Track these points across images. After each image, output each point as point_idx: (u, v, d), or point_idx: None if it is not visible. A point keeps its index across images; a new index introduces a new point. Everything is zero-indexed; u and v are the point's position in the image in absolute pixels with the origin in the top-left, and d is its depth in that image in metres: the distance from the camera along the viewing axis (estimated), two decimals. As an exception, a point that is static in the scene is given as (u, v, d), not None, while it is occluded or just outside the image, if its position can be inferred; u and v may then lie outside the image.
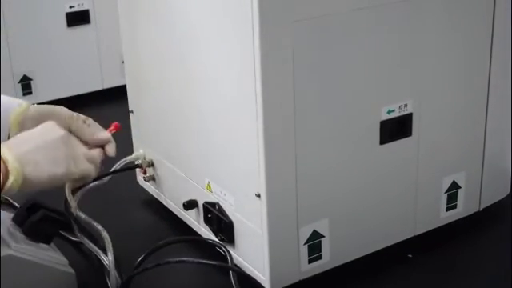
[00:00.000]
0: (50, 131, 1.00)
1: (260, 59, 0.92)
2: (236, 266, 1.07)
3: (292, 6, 0.92)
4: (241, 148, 1.01)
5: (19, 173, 0.92)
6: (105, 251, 1.09)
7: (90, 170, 1.03)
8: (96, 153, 1.05)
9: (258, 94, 0.94)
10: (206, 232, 1.16)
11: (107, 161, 1.22)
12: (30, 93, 1.88)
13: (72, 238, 1.18)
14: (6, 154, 0.93)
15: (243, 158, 1.01)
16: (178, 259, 1.04)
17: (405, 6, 1.02)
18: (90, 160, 1.03)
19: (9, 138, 1.06)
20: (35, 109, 1.10)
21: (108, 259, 1.07)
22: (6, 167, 0.92)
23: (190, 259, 1.06)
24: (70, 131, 1.07)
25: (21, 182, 0.93)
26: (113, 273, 1.05)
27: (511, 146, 1.25)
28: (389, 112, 1.05)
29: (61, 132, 1.00)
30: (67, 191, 1.10)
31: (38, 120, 1.07)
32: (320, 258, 1.06)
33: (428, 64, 1.07)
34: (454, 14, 1.07)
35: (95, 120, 1.83)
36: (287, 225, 1.01)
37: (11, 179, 0.92)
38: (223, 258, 1.08)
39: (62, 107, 1.12)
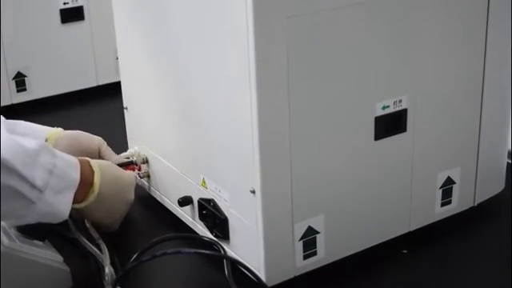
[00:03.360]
0: (127, 191, 1.17)
1: (254, 55, 0.92)
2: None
3: (286, 1, 0.92)
4: (236, 144, 1.01)
5: (93, 198, 1.06)
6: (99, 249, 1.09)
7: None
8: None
9: (253, 90, 0.94)
10: (200, 228, 1.16)
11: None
12: (25, 89, 1.87)
13: (67, 235, 1.17)
14: (95, 169, 1.08)
15: (238, 154, 1.01)
16: (174, 250, 1.06)
17: (399, 1, 1.02)
18: None
19: None
20: (65, 132, 1.26)
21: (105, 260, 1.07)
22: (90, 182, 1.07)
23: (187, 249, 1.08)
24: (99, 153, 1.26)
25: (89, 205, 1.07)
26: (108, 271, 1.05)
27: (506, 142, 1.25)
28: (383, 108, 1.05)
29: (131, 197, 1.18)
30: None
31: (69, 139, 1.23)
32: (315, 254, 1.06)
33: (423, 60, 1.07)
34: (449, 10, 1.07)
35: (90, 116, 1.84)
36: (282, 221, 1.01)
37: (87, 201, 1.06)
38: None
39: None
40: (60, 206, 0.98)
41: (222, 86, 1.02)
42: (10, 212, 0.93)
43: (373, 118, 1.05)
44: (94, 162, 1.09)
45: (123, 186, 1.15)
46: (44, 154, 0.95)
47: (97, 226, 1.15)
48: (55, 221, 1.00)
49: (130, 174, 1.21)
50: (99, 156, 1.25)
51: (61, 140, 1.21)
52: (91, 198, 1.06)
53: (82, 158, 1.07)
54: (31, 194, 0.93)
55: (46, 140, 1.21)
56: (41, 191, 0.94)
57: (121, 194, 1.14)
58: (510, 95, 1.22)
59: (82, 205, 1.06)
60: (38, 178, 0.93)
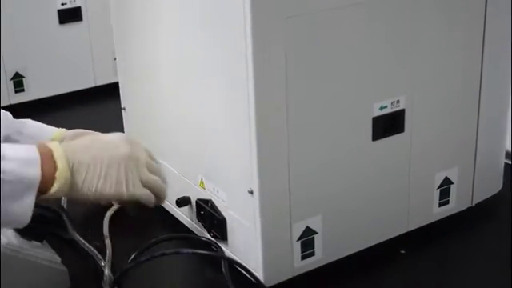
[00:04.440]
0: (114, 147, 0.98)
1: (252, 56, 0.92)
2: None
3: (284, 2, 0.92)
4: (233, 145, 1.01)
5: (66, 182, 0.91)
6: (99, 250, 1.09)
7: (145, 195, 0.98)
8: (154, 178, 1.01)
9: (251, 90, 0.94)
10: (198, 229, 1.16)
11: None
12: (22, 90, 1.88)
13: (65, 236, 1.17)
14: (59, 161, 0.91)
15: (236, 154, 1.01)
16: (173, 250, 1.05)
17: (398, 2, 1.02)
18: (148, 184, 0.99)
19: None
20: (69, 132, 1.23)
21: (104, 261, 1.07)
22: (54, 173, 0.90)
23: (185, 250, 1.07)
24: None
25: (66, 191, 0.92)
26: (106, 271, 1.05)
27: (503, 142, 1.25)
28: (381, 108, 1.05)
29: (124, 150, 0.97)
30: (108, 214, 1.15)
31: (75, 136, 1.19)
32: (313, 254, 1.06)
33: (420, 60, 1.07)
34: (446, 11, 1.07)
35: (88, 117, 1.84)
36: (280, 221, 1.01)
37: (55, 187, 0.90)
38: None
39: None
40: (19, 211, 0.88)
41: (220, 86, 1.02)
42: None
43: (371, 119, 1.05)
44: (59, 150, 0.92)
45: (101, 145, 0.98)
46: None
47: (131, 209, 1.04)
48: (19, 226, 0.91)
49: (113, 134, 1.03)
50: None
51: (64, 140, 1.21)
52: (52, 190, 0.91)
53: (43, 145, 0.92)
54: None
55: (52, 140, 1.21)
56: None
57: (102, 153, 0.95)
58: (507, 95, 1.22)
59: (53, 190, 0.91)
60: None
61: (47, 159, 0.90)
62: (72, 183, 0.92)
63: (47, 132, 1.22)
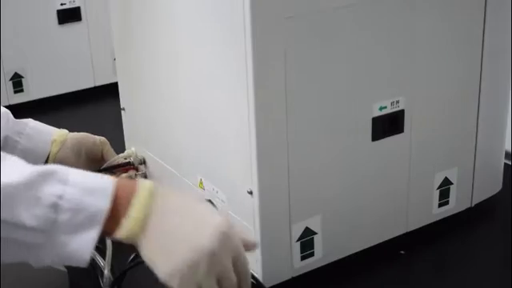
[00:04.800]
0: (200, 235, 0.76)
1: (252, 56, 0.92)
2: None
3: (283, 2, 0.92)
4: (233, 145, 1.01)
5: (136, 229, 0.76)
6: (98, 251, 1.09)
7: None
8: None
9: (250, 90, 0.94)
10: (198, 229, 1.16)
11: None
12: (22, 90, 1.88)
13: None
14: (144, 194, 0.76)
15: (235, 155, 1.01)
16: None
17: (397, 2, 1.02)
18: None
19: (48, 157, 1.20)
20: (70, 134, 1.23)
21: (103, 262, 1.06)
22: (131, 203, 0.75)
23: None
24: (102, 154, 1.23)
25: (134, 239, 0.77)
26: (106, 272, 1.05)
27: (503, 142, 1.25)
28: (381, 109, 1.05)
29: (208, 245, 0.75)
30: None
31: (74, 141, 1.21)
32: (312, 254, 1.06)
33: (420, 61, 1.07)
34: (445, 11, 1.07)
35: (88, 117, 1.84)
36: (279, 222, 1.01)
37: (120, 234, 0.76)
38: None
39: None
40: (78, 246, 0.74)
41: (219, 86, 1.02)
42: (20, 259, 0.74)
43: (370, 119, 1.05)
44: (146, 185, 0.77)
45: (194, 220, 0.77)
46: (41, 183, 0.73)
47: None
48: (79, 263, 0.75)
49: (211, 214, 0.80)
50: (102, 157, 1.25)
51: (66, 142, 1.21)
52: (125, 225, 0.76)
53: (126, 179, 0.81)
54: (31, 237, 0.72)
55: (53, 142, 1.21)
56: (43, 231, 0.72)
57: (189, 231, 0.76)
58: (506, 96, 1.22)
59: (120, 235, 0.76)
60: (30, 216, 0.71)
61: (130, 195, 0.76)
62: (139, 238, 0.77)
63: (48, 133, 1.22)
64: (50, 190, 0.73)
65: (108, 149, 1.26)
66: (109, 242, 1.12)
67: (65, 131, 1.24)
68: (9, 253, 0.72)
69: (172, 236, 0.76)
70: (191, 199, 0.80)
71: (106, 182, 0.76)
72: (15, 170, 0.73)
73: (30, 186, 0.72)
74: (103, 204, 0.74)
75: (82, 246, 0.74)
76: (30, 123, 1.21)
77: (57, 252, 0.74)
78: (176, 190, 0.81)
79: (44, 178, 0.73)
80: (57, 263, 0.76)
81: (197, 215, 0.78)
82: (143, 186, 0.76)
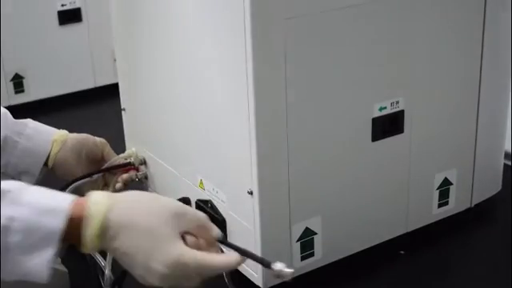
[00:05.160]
0: (169, 246, 0.77)
1: (252, 56, 0.92)
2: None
3: (283, 3, 0.92)
4: (233, 145, 1.01)
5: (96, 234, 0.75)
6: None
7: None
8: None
9: (250, 91, 0.94)
10: (198, 230, 1.16)
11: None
12: (22, 91, 1.88)
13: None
14: (93, 209, 0.76)
15: (235, 155, 1.01)
16: None
17: (396, 3, 1.02)
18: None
19: (48, 157, 1.19)
20: (70, 135, 1.22)
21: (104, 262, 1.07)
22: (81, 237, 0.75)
23: None
24: (103, 155, 1.22)
25: (99, 244, 0.76)
26: (107, 272, 1.05)
27: (502, 143, 1.25)
28: (381, 109, 1.05)
29: (175, 256, 0.76)
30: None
31: (74, 142, 1.20)
32: (312, 255, 1.06)
33: (420, 61, 1.07)
34: (445, 11, 1.08)
35: (88, 118, 1.84)
36: (280, 222, 1.01)
37: (83, 247, 0.76)
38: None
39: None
40: (34, 267, 0.74)
41: (219, 86, 1.02)
42: None
43: (370, 119, 1.05)
44: (101, 201, 0.77)
45: (155, 225, 0.77)
46: None
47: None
48: (40, 281, 0.75)
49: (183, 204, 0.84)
50: (102, 158, 1.26)
51: (66, 143, 1.21)
52: (85, 241, 0.76)
53: (79, 199, 0.77)
54: None
55: (54, 142, 1.21)
56: None
57: (148, 237, 0.76)
58: (506, 96, 1.23)
59: (85, 250, 0.77)
60: None
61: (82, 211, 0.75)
62: (103, 240, 0.76)
63: (48, 133, 1.22)
64: (2, 212, 0.72)
65: (108, 150, 1.26)
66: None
67: (65, 132, 1.24)
68: None
69: (132, 252, 0.76)
70: (144, 211, 0.78)
71: (61, 201, 0.75)
72: None
73: None
74: (57, 224, 0.74)
75: (38, 265, 0.74)
76: (30, 123, 1.21)
77: (14, 270, 0.74)
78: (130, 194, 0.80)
79: None
80: (19, 279, 0.75)
81: (147, 239, 0.76)
82: (95, 200, 0.76)
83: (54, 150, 1.20)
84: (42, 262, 0.74)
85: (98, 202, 0.76)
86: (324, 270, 1.08)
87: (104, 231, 0.75)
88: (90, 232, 0.75)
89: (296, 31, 0.94)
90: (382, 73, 1.04)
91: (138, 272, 0.77)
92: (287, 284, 1.04)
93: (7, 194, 0.74)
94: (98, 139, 1.26)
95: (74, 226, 0.75)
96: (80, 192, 1.22)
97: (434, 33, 1.07)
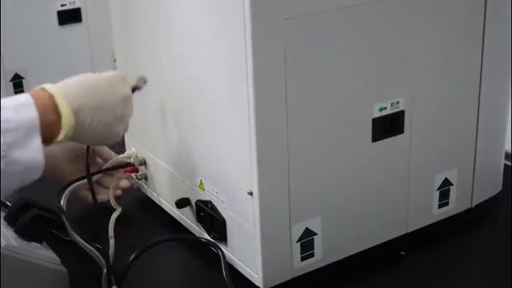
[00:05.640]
0: (115, 88, 1.01)
1: (252, 57, 0.92)
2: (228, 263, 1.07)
3: (283, 3, 0.92)
4: (233, 146, 1.01)
5: (71, 129, 0.93)
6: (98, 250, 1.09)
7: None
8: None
9: (250, 91, 0.94)
10: (198, 230, 1.16)
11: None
12: (22, 91, 1.87)
13: (64, 237, 1.17)
14: (63, 107, 0.92)
15: (235, 156, 1.01)
16: (169, 236, 1.15)
17: (396, 3, 1.02)
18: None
19: None
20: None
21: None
22: (60, 123, 0.92)
23: (181, 235, 1.16)
24: (97, 152, 1.24)
25: (70, 136, 0.93)
26: (106, 272, 1.05)
27: (503, 143, 1.25)
28: (381, 109, 1.05)
29: (126, 92, 1.02)
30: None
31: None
32: (312, 255, 1.06)
33: (420, 61, 1.07)
34: (445, 11, 1.08)
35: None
36: (279, 223, 1.01)
37: (62, 135, 0.92)
38: (215, 256, 1.08)
39: None
40: (31, 155, 0.87)
41: (219, 87, 1.02)
42: None
43: (370, 120, 1.05)
44: (58, 92, 0.95)
45: (106, 104, 1.00)
46: None
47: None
48: (37, 173, 0.90)
49: (112, 73, 1.05)
50: (97, 154, 1.25)
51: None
52: (63, 139, 0.93)
53: (38, 91, 0.95)
54: None
55: None
56: (3, 157, 0.84)
57: (108, 106, 0.99)
58: (507, 97, 1.23)
59: (60, 137, 0.93)
60: None
61: (49, 104, 0.92)
62: (75, 129, 0.94)
63: None
64: None
65: (102, 147, 1.25)
66: (111, 242, 1.12)
67: None
68: None
69: (99, 109, 0.97)
70: (82, 76, 0.99)
71: (25, 97, 0.90)
72: None
73: None
74: (34, 115, 0.88)
75: (33, 154, 0.87)
76: None
77: (16, 169, 0.85)
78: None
79: None
80: (21, 183, 0.88)
81: (99, 80, 1.00)
82: (55, 91, 0.93)
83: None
84: (36, 150, 0.87)
85: (59, 94, 0.94)
86: (324, 270, 1.07)
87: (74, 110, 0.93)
88: (66, 113, 0.92)
89: (296, 31, 0.94)
90: (382, 73, 1.04)
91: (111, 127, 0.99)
92: (287, 284, 1.05)
93: None
94: None
95: (46, 114, 0.89)
96: (76, 194, 1.22)
97: (434, 33, 1.07)
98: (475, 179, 1.20)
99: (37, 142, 0.87)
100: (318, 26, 0.96)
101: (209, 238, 1.13)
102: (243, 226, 1.03)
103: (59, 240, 1.16)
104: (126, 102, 1.03)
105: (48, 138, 0.91)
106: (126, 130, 1.06)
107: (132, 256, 1.06)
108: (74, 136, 0.95)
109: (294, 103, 0.97)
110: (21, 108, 0.88)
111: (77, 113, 0.94)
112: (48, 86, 0.94)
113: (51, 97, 0.93)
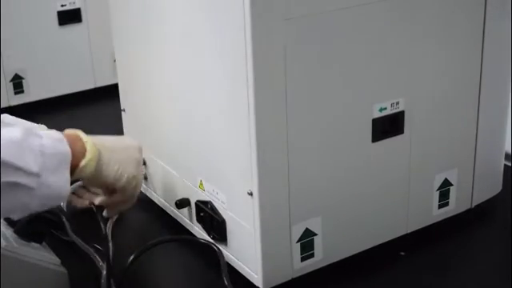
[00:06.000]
0: (130, 149, 1.15)
1: (252, 57, 0.92)
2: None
3: (283, 4, 0.92)
4: (233, 146, 1.01)
5: (95, 155, 1.03)
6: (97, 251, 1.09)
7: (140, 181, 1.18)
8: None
9: (250, 92, 0.94)
10: (198, 230, 1.16)
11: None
12: (22, 92, 1.87)
13: (64, 238, 1.17)
14: (87, 143, 1.03)
15: (235, 156, 1.01)
16: (168, 237, 1.16)
17: (396, 4, 1.02)
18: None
19: None
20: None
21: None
22: (84, 146, 1.03)
23: (180, 236, 1.18)
24: None
25: (94, 165, 1.04)
26: (106, 273, 1.05)
27: (503, 144, 1.25)
28: (381, 110, 1.05)
29: (138, 156, 1.15)
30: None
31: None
32: (312, 256, 1.06)
33: (420, 62, 1.07)
34: (444, 12, 1.07)
35: (88, 118, 1.84)
36: (279, 223, 1.01)
37: (87, 157, 1.02)
38: (215, 256, 1.08)
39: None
40: (60, 184, 0.95)
41: (219, 88, 1.02)
42: (13, 205, 0.92)
43: (370, 120, 1.05)
44: (82, 133, 1.06)
45: (125, 145, 1.15)
46: (30, 137, 0.92)
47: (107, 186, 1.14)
48: (59, 201, 0.99)
49: (128, 137, 1.23)
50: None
51: None
52: (84, 169, 1.03)
53: (69, 131, 1.05)
54: (29, 181, 0.91)
55: None
56: (38, 175, 0.91)
57: (124, 153, 1.13)
58: (507, 97, 1.22)
59: (78, 173, 1.03)
60: (32, 163, 0.91)
61: (76, 140, 1.03)
62: (99, 159, 1.05)
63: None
64: (35, 142, 0.92)
65: None
66: (110, 243, 1.12)
67: (43, 126, 1.22)
68: (8, 196, 0.89)
69: (114, 161, 1.09)
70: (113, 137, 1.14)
71: (59, 133, 0.99)
72: (9, 128, 0.91)
73: (26, 138, 0.91)
74: (67, 149, 0.97)
75: (62, 182, 0.96)
76: (6, 119, 1.18)
77: (44, 193, 0.92)
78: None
79: (29, 132, 0.92)
80: (40, 206, 0.95)
81: (122, 142, 1.16)
82: (80, 132, 1.05)
83: None
84: (65, 179, 0.96)
85: (84, 134, 1.05)
86: (324, 270, 1.07)
87: (99, 156, 1.05)
88: (89, 156, 1.03)
89: (296, 32, 0.94)
90: (382, 73, 1.04)
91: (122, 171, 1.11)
92: (287, 285, 1.05)
93: (32, 129, 0.94)
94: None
95: (73, 153, 0.99)
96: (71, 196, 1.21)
97: (434, 34, 1.07)
98: (475, 179, 1.20)
99: (67, 173, 0.97)
100: (317, 27, 0.96)
101: (208, 239, 1.12)
102: (243, 227, 1.03)
103: (59, 240, 1.16)
104: (138, 163, 1.16)
105: (74, 167, 1.01)
106: (139, 187, 1.17)
107: (131, 257, 1.07)
108: (97, 169, 1.05)
109: (294, 104, 0.97)
110: (56, 140, 0.97)
111: (99, 146, 1.05)
112: (72, 130, 1.05)
113: (78, 135, 1.05)
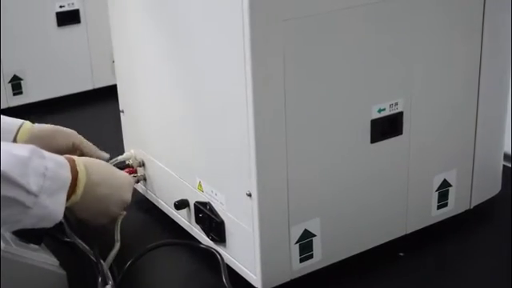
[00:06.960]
0: (123, 187, 1.14)
1: (250, 58, 0.92)
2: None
3: (281, 5, 0.92)
4: (232, 147, 1.01)
5: (83, 189, 1.02)
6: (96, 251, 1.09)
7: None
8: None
9: (249, 93, 0.94)
10: (197, 232, 1.16)
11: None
12: (21, 93, 1.87)
13: (63, 239, 1.17)
14: (80, 170, 1.03)
15: (234, 157, 1.01)
16: (167, 241, 1.16)
17: (395, 4, 1.02)
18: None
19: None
20: (39, 128, 1.22)
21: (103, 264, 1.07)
22: (77, 174, 1.02)
23: (179, 240, 1.17)
24: (76, 147, 1.24)
25: (78, 198, 1.02)
26: (106, 274, 1.05)
27: (501, 144, 1.25)
28: (379, 111, 1.05)
29: (127, 196, 1.14)
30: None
31: (42, 139, 1.19)
32: (311, 257, 1.06)
33: (418, 63, 1.07)
34: (444, 12, 1.08)
35: (87, 119, 1.84)
36: (278, 224, 1.01)
37: (78, 192, 1.02)
38: (214, 257, 1.08)
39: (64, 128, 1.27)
40: (55, 207, 0.96)
41: (218, 88, 1.02)
42: (6, 219, 0.92)
43: (369, 121, 1.05)
44: (80, 161, 1.05)
45: (116, 186, 1.12)
46: (35, 158, 0.93)
47: (87, 222, 1.12)
48: (51, 223, 0.98)
49: (125, 175, 1.19)
50: (79, 152, 1.24)
51: (34, 137, 1.19)
52: (73, 198, 1.02)
53: (68, 156, 1.04)
54: (27, 199, 0.91)
55: (17, 134, 1.19)
56: (36, 196, 0.92)
57: (113, 194, 1.11)
58: (506, 98, 1.23)
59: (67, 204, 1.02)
60: (33, 183, 0.92)
61: (73, 167, 1.02)
62: (86, 189, 1.03)
63: (11, 124, 1.20)
64: (39, 163, 0.94)
65: (85, 144, 1.26)
66: (117, 245, 1.12)
67: (27, 124, 1.22)
68: (4, 210, 0.89)
69: (102, 199, 1.09)
70: (108, 169, 1.13)
71: (63, 158, 1.00)
72: (14, 146, 0.93)
73: (32, 158, 0.92)
74: (69, 175, 0.99)
75: (57, 207, 0.96)
76: None
77: (39, 213, 0.93)
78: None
79: (33, 153, 0.93)
80: (32, 225, 0.95)
81: (114, 180, 1.12)
82: (79, 164, 1.03)
83: (21, 140, 1.19)
84: (60, 204, 0.97)
85: (81, 164, 1.04)
86: (323, 271, 1.07)
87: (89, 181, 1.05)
88: (82, 182, 1.03)
89: (294, 33, 0.94)
90: (381, 74, 1.04)
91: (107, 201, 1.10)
92: (286, 286, 1.05)
93: (36, 150, 0.95)
94: (69, 133, 1.25)
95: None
96: None
97: (433, 35, 1.07)
98: (474, 180, 1.20)
99: (64, 197, 0.98)
100: (316, 28, 0.96)
101: (207, 242, 1.12)
102: (242, 228, 1.03)
103: (58, 242, 1.16)
104: (123, 203, 1.14)
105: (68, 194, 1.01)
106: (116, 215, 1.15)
107: (129, 261, 1.07)
108: (77, 207, 1.04)
109: (293, 105, 0.97)
110: (58, 164, 0.98)
111: (87, 187, 1.04)
112: (78, 160, 1.05)
113: (74, 161, 1.04)
